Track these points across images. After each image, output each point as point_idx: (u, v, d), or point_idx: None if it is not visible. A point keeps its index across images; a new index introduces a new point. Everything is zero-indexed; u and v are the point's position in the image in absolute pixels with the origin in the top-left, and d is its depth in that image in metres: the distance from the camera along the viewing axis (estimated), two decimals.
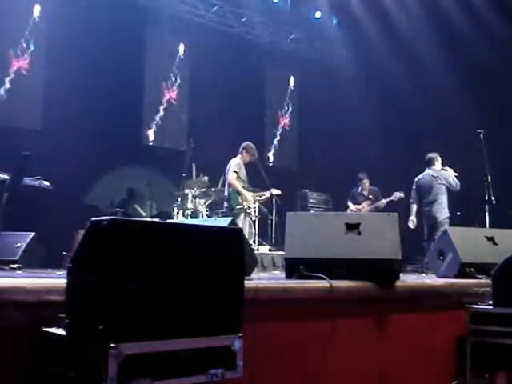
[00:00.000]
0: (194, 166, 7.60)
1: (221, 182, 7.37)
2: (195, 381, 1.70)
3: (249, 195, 6.91)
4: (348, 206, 8.48)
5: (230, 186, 6.91)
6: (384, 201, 8.16)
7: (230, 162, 6.99)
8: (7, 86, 8.24)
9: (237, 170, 6.83)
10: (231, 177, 6.81)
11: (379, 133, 9.97)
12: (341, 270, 2.72)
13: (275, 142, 11.68)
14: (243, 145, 7.10)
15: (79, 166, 7.80)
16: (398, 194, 8.10)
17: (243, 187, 6.92)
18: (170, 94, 10.14)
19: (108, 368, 1.52)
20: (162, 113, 10.00)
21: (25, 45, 8.42)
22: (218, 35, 10.20)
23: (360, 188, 8.49)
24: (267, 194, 7.33)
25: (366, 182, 8.45)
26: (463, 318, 2.80)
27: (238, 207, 6.82)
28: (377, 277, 2.75)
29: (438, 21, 9.26)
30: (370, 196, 8.38)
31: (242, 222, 6.72)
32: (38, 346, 1.75)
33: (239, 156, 7.03)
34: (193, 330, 1.73)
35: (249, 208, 6.95)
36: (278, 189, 7.50)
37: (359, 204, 8.42)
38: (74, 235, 6.97)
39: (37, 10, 8.60)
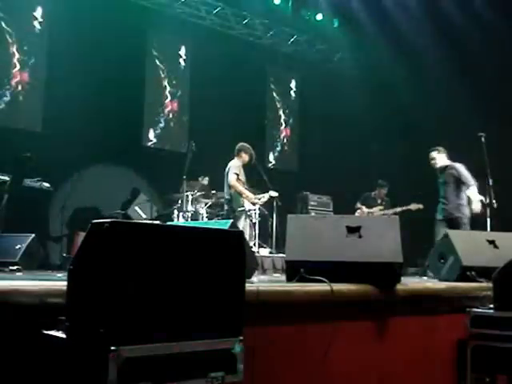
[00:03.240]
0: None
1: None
2: None
3: (251, 195, 6.96)
4: (358, 208, 8.36)
5: (230, 188, 6.88)
6: (399, 209, 8.00)
7: (230, 164, 6.94)
8: (9, 88, 8.25)
9: (237, 172, 6.81)
10: (232, 179, 6.77)
11: (381, 135, 9.97)
12: (342, 272, 2.71)
13: (276, 144, 11.68)
14: (239, 146, 7.02)
15: (79, 168, 7.80)
16: (416, 205, 7.92)
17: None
18: (171, 96, 10.14)
19: (108, 371, 1.51)
20: (163, 115, 10.01)
21: (27, 48, 8.43)
22: (220, 37, 10.22)
23: (374, 194, 8.42)
24: (266, 196, 7.31)
25: (383, 191, 8.40)
26: (464, 321, 2.79)
27: (239, 209, 6.83)
28: (378, 280, 2.74)
29: (439, 22, 9.27)
30: (384, 203, 8.33)
31: (243, 225, 6.71)
32: (38, 349, 1.75)
33: (237, 158, 6.99)
34: (193, 333, 1.72)
35: (249, 210, 6.95)
36: (279, 191, 7.48)
37: (370, 208, 8.35)
38: (74, 237, 6.97)
39: (38, 12, 8.61)
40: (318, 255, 2.86)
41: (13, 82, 8.29)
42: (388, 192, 8.49)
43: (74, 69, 8.02)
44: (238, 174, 6.81)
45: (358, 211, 8.25)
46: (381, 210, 8.23)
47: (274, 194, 7.35)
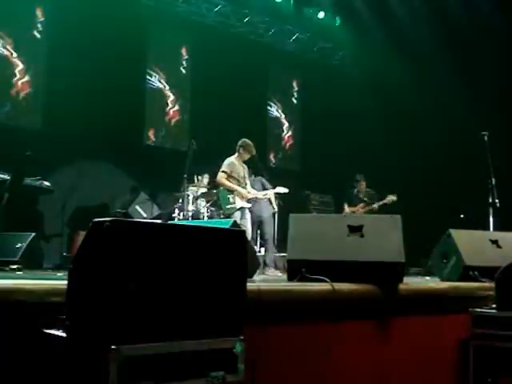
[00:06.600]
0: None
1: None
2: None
3: (243, 191, 6.47)
4: (343, 209, 8.30)
5: (218, 186, 6.62)
6: (376, 204, 8.00)
7: (224, 161, 6.64)
8: (9, 85, 8.24)
9: (226, 170, 6.49)
10: (219, 177, 6.50)
11: (382, 134, 9.95)
12: (343, 272, 2.70)
13: (278, 143, 11.66)
14: (240, 142, 6.69)
15: (80, 167, 7.79)
16: (391, 197, 7.98)
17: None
18: (172, 94, 10.13)
19: (109, 370, 1.50)
20: (163, 113, 10.00)
21: (28, 48, 8.41)
22: (221, 35, 10.20)
23: (356, 190, 8.36)
24: (270, 193, 7.02)
25: (363, 184, 8.38)
26: (466, 321, 2.78)
27: (228, 207, 6.43)
28: (380, 279, 2.73)
29: (441, 22, 9.24)
30: (365, 198, 8.28)
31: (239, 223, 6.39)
32: (38, 348, 1.74)
33: (236, 154, 6.65)
34: (194, 332, 1.71)
35: (241, 208, 6.44)
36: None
37: (355, 206, 8.33)
38: (75, 236, 6.97)
39: (39, 11, 8.59)
40: (319, 254, 2.85)
41: (14, 81, 8.28)
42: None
43: (74, 67, 8.01)
44: (226, 172, 6.46)
45: (344, 212, 8.20)
46: (362, 208, 8.20)
47: (282, 190, 6.90)
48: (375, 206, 8.00)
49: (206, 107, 9.66)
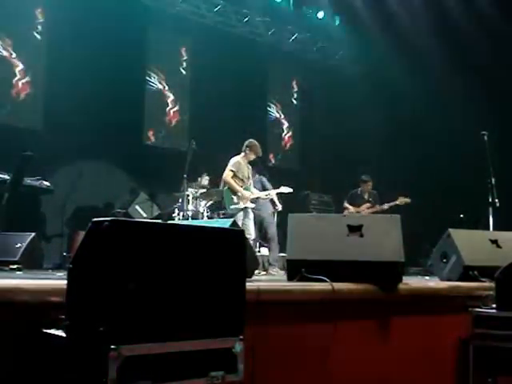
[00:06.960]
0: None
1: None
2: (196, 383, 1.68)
3: (247, 193, 6.52)
4: (345, 208, 8.17)
5: (224, 184, 6.64)
6: (386, 205, 7.90)
7: (230, 160, 6.71)
8: (9, 86, 8.24)
9: (233, 169, 6.54)
10: (226, 175, 6.53)
11: (382, 134, 9.96)
12: (343, 272, 2.70)
13: (277, 142, 11.66)
14: (246, 142, 6.74)
15: (80, 167, 7.79)
16: (403, 199, 7.87)
17: (241, 186, 6.56)
18: (172, 95, 10.13)
19: (108, 370, 1.50)
20: (163, 113, 10.00)
21: (28, 48, 8.41)
22: (221, 35, 10.20)
23: (360, 190, 8.20)
24: (272, 192, 7.03)
25: (369, 185, 8.27)
26: (466, 321, 2.78)
27: (232, 207, 6.48)
28: (379, 279, 2.73)
29: (441, 22, 9.25)
30: (370, 199, 8.20)
31: (242, 223, 6.32)
32: (38, 348, 1.74)
33: (242, 154, 6.70)
34: (194, 332, 1.71)
35: (245, 208, 6.48)
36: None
37: (358, 206, 8.25)
38: (74, 236, 6.97)
39: (39, 12, 8.60)
40: (319, 254, 2.85)
41: (14, 82, 8.28)
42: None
43: (74, 67, 8.01)
44: (233, 171, 6.52)
45: (346, 211, 8.09)
46: (368, 208, 8.06)
47: (286, 189, 6.90)
48: (385, 207, 7.89)
49: (206, 107, 9.66)
